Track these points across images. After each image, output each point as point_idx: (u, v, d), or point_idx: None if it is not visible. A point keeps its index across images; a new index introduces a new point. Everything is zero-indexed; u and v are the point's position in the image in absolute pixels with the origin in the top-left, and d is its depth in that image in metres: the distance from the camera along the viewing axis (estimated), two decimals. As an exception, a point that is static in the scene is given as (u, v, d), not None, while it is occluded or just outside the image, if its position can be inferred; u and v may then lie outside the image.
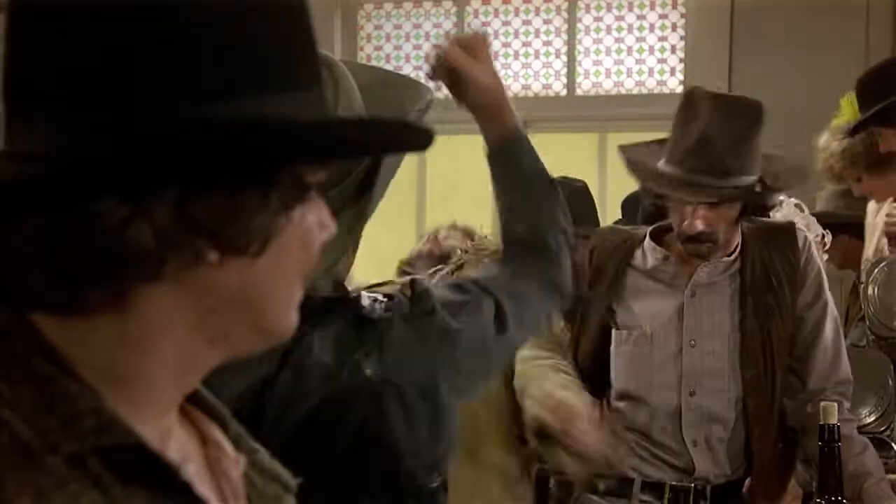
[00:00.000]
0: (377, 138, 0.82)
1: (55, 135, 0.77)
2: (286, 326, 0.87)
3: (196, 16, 0.78)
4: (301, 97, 0.82)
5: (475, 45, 1.71)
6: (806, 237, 2.57)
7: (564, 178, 3.84)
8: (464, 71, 1.69)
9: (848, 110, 3.63)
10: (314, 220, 0.86)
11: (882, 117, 3.23)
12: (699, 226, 2.38)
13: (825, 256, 3.48)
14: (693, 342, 2.49)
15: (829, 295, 2.56)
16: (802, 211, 3.50)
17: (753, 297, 2.48)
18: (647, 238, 2.56)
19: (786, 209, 3.45)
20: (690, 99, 2.46)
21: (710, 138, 2.35)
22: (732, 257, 2.50)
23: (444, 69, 1.69)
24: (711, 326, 2.49)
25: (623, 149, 2.56)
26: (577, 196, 3.62)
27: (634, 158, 2.51)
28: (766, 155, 2.45)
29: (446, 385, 1.49)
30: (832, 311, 2.55)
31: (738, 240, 2.51)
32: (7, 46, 0.80)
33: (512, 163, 1.70)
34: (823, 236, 3.48)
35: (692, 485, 2.48)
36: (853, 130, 3.45)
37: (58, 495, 0.75)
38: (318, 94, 0.85)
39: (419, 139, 0.82)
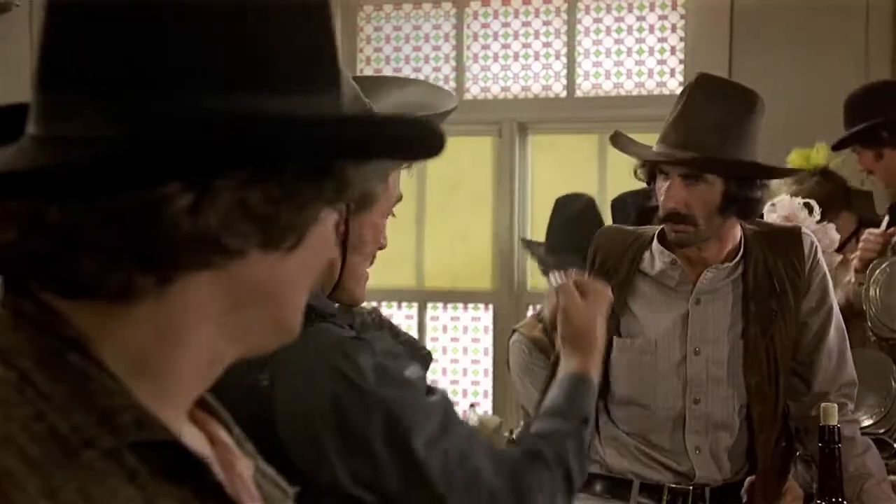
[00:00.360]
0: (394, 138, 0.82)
1: (108, 120, 0.76)
2: (297, 326, 0.88)
3: (233, 14, 0.79)
4: (326, 99, 0.83)
5: (587, 289, 1.83)
6: (812, 242, 2.55)
7: (574, 194, 3.82)
8: (564, 304, 1.80)
9: (797, 160, 3.68)
10: (332, 222, 0.87)
11: (864, 136, 3.30)
12: (672, 202, 2.37)
13: (837, 258, 3.48)
14: (697, 350, 2.47)
15: (834, 300, 2.55)
16: (811, 212, 3.50)
17: (756, 303, 2.46)
18: (656, 241, 2.54)
19: (789, 206, 3.44)
20: (688, 83, 2.49)
21: (688, 114, 2.37)
22: (734, 262, 2.49)
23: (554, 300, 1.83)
24: (715, 334, 2.48)
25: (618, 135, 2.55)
26: (585, 211, 3.62)
27: (622, 140, 2.52)
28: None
29: (334, 430, 1.43)
30: (837, 315, 2.54)
31: (733, 242, 2.49)
32: (47, 33, 0.80)
33: (565, 394, 1.73)
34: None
35: (690, 487, 2.48)
36: (835, 146, 3.54)
37: (98, 489, 0.75)
38: (336, 98, 0.85)
39: (433, 143, 0.82)
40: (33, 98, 0.81)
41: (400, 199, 1.58)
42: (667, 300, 2.51)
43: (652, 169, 2.45)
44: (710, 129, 2.35)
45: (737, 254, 2.49)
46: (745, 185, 2.39)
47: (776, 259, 2.48)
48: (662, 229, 2.54)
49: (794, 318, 2.47)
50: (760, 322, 2.46)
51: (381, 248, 1.60)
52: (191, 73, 0.77)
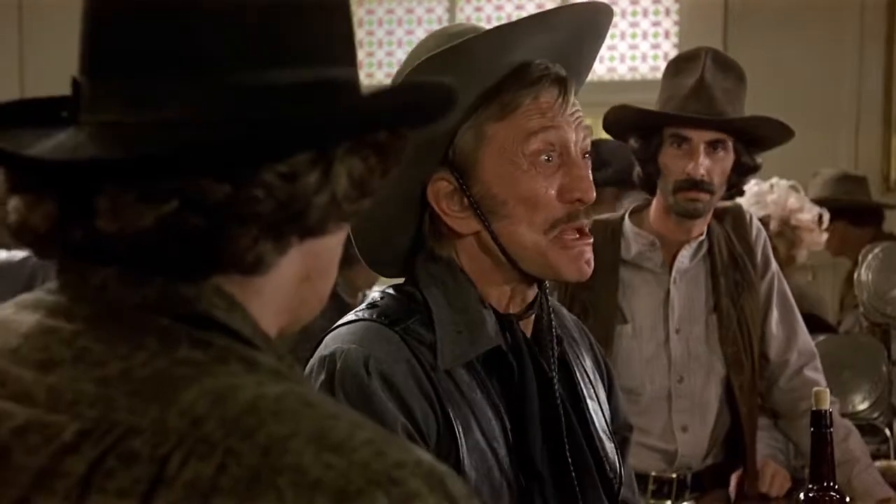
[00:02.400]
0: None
1: (211, 101, 0.76)
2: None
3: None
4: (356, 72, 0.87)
5: None
6: (751, 214, 2.63)
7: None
8: None
9: None
10: None
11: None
12: (701, 168, 2.38)
13: (824, 236, 3.49)
14: (678, 329, 2.49)
15: (776, 265, 2.59)
16: (798, 192, 3.50)
17: (724, 277, 2.51)
18: (628, 222, 2.54)
19: (777, 192, 3.43)
20: (681, 57, 2.53)
21: (708, 84, 2.40)
22: (701, 239, 2.52)
23: None
24: (692, 311, 2.51)
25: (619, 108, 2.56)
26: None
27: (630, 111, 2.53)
28: (750, 117, 2.45)
29: None
30: (781, 280, 2.59)
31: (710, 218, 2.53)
32: (110, 19, 0.79)
33: None
34: (821, 216, 3.47)
35: (674, 475, 2.49)
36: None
37: None
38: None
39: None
40: (92, 87, 0.79)
41: (535, 140, 1.37)
42: (647, 283, 2.52)
43: (659, 140, 2.45)
44: (724, 100, 2.41)
45: (701, 232, 2.52)
46: (751, 154, 2.46)
47: (731, 234, 2.55)
48: (632, 211, 2.54)
49: (756, 287, 2.53)
50: (729, 295, 2.51)
51: (564, 201, 1.37)
52: (277, 49, 0.78)
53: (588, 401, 1.50)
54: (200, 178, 0.74)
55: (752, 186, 3.35)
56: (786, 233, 3.43)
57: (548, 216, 1.38)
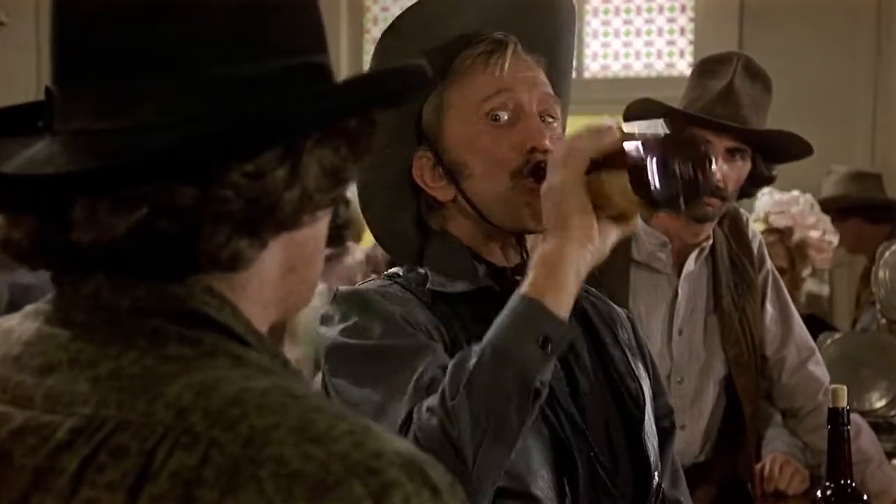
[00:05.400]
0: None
1: (182, 101, 0.77)
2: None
3: None
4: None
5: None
6: (745, 213, 2.64)
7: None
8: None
9: None
10: None
11: None
12: (718, 175, 2.38)
13: (829, 255, 3.47)
14: (680, 330, 2.48)
15: (770, 264, 2.60)
16: (814, 208, 3.49)
17: (726, 278, 2.50)
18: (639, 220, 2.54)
19: (802, 205, 3.43)
20: (712, 59, 2.50)
21: (737, 91, 2.39)
22: (708, 241, 2.52)
23: None
24: (694, 313, 2.50)
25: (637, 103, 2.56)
26: None
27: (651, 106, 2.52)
28: (775, 131, 2.45)
29: None
30: (777, 278, 2.59)
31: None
32: (78, 29, 0.79)
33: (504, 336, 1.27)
34: (828, 238, 3.46)
35: None
36: None
37: None
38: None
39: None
40: (63, 95, 0.80)
41: (488, 102, 1.42)
42: (655, 284, 2.51)
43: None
44: (750, 108, 2.40)
45: (708, 236, 2.53)
46: (768, 165, 2.46)
47: (729, 236, 2.55)
48: None
49: (756, 289, 2.53)
50: (731, 296, 2.51)
51: (529, 149, 1.41)
52: (245, 43, 0.79)
53: (610, 348, 1.52)
54: (168, 183, 0.75)
55: (771, 193, 3.35)
56: (802, 247, 3.41)
57: (505, 167, 1.42)
